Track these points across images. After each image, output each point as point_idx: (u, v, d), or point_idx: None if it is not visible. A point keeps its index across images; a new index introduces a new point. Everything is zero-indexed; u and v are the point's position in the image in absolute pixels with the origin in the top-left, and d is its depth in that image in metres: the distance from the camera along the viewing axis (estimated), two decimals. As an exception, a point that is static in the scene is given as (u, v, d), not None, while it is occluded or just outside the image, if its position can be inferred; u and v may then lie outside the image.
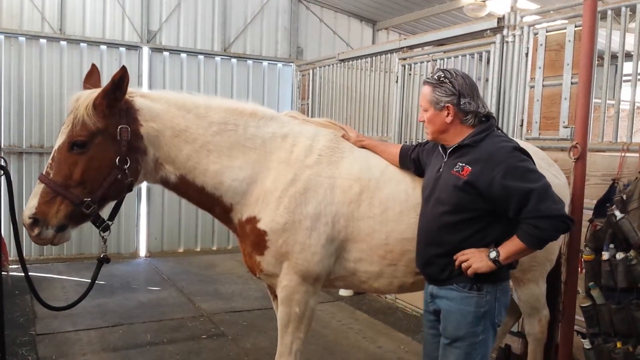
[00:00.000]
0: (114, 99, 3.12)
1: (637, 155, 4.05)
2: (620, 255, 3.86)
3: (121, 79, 3.10)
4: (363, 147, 3.63)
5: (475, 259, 2.82)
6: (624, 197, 3.91)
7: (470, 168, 2.82)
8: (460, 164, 2.87)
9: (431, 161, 3.18)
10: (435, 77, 2.97)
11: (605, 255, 3.93)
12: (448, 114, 2.93)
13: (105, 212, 3.35)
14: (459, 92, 2.90)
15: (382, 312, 6.84)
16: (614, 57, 4.78)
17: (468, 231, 2.87)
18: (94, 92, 3.16)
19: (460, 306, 2.90)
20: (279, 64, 10.42)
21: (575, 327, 4.12)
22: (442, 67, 3.39)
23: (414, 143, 5.84)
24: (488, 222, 2.86)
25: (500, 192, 2.73)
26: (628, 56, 4.65)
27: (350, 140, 3.65)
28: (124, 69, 3.11)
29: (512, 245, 2.79)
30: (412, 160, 3.42)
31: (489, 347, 2.97)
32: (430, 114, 2.98)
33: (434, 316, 3.10)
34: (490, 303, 2.91)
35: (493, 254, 2.80)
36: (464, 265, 2.85)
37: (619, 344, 3.96)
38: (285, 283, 3.38)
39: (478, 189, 2.78)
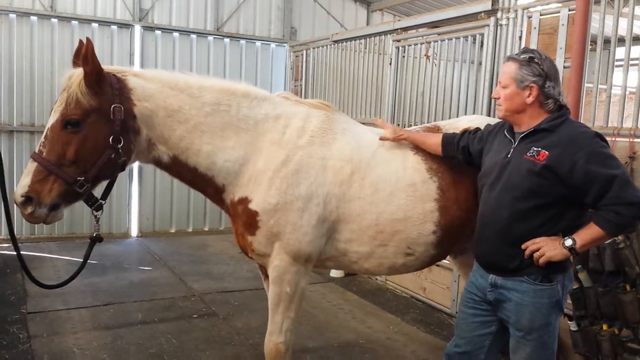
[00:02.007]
0: (92, 73, 3.09)
1: (628, 140, 4.08)
2: (608, 239, 3.90)
3: (85, 53, 3.06)
4: (403, 140, 3.59)
5: (548, 248, 2.75)
6: (613, 181, 3.94)
7: (547, 152, 2.75)
8: (535, 149, 2.79)
9: (492, 147, 3.10)
10: (524, 55, 2.88)
11: (594, 239, 3.97)
12: (530, 94, 2.85)
13: (97, 192, 3.35)
14: (546, 74, 2.83)
15: (372, 293, 6.89)
16: (606, 41, 4.79)
17: (540, 219, 2.80)
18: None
19: (533, 299, 2.85)
20: (272, 45, 10.36)
21: (563, 309, 4.18)
22: (528, 47, 3.27)
23: (413, 126, 5.85)
24: (560, 210, 2.79)
25: (582, 178, 2.67)
26: (621, 41, 4.66)
27: (389, 139, 3.59)
28: (86, 41, 3.08)
29: (589, 232, 2.73)
30: (460, 148, 3.36)
31: (557, 330, 2.98)
32: (509, 92, 2.89)
33: (485, 302, 3.04)
34: (559, 291, 2.88)
35: (569, 242, 2.73)
36: (536, 254, 2.77)
37: (605, 327, 4.03)
38: (276, 263, 3.41)
39: (558, 173, 2.72)
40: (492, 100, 5.61)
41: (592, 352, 4.11)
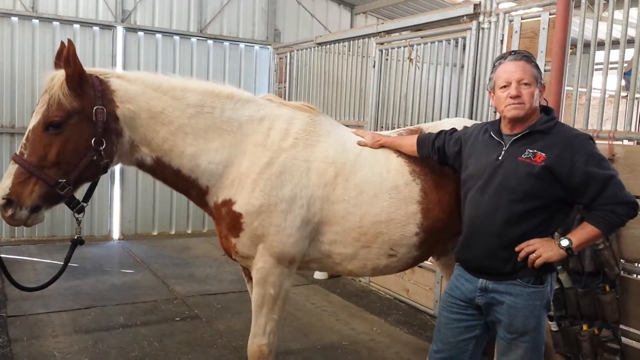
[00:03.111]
0: (73, 75, 3.07)
1: (607, 142, 4.14)
2: (588, 240, 3.95)
3: (67, 54, 3.04)
4: (381, 146, 3.62)
5: (544, 249, 2.75)
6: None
7: (544, 154, 2.75)
8: (530, 150, 2.79)
9: (476, 149, 3.06)
10: (526, 55, 2.89)
11: (574, 240, 4.01)
12: (541, 94, 2.89)
13: (79, 194, 3.33)
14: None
15: (356, 295, 6.91)
16: (586, 45, 4.85)
17: (534, 221, 2.80)
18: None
19: (527, 302, 2.84)
20: (256, 47, 10.33)
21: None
22: (518, 49, 3.14)
23: (396, 128, 5.88)
24: (553, 211, 2.81)
25: (580, 178, 2.69)
26: (600, 45, 4.72)
27: (367, 145, 3.63)
28: (68, 42, 3.06)
29: (585, 232, 2.75)
30: (435, 148, 3.35)
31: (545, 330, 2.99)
32: (533, 90, 2.83)
33: (471, 307, 3.00)
34: (549, 292, 2.90)
35: (565, 242, 2.74)
36: (532, 256, 2.76)
37: (585, 327, 4.08)
38: (260, 265, 3.41)
39: (556, 174, 2.73)
40: (474, 102, 5.67)
41: (573, 352, 4.16)
